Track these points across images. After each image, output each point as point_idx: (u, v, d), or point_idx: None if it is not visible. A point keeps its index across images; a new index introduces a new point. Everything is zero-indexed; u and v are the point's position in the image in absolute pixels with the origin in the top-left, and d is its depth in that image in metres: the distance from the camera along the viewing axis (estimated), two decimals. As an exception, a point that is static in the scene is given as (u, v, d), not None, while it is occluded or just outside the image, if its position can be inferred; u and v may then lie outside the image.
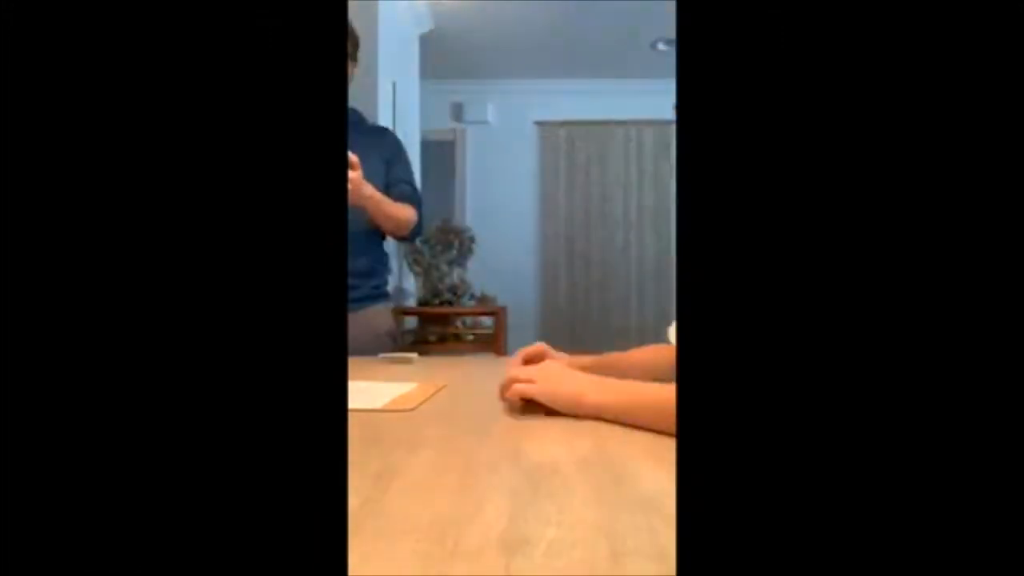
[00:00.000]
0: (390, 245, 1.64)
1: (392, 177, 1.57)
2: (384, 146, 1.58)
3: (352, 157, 1.28)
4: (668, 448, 0.51)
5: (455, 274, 3.48)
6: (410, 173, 1.62)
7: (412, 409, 0.70)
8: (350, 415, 0.65)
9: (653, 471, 0.45)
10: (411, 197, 1.57)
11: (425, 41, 3.51)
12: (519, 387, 0.67)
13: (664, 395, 0.57)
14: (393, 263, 3.03)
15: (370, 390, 0.83)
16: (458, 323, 3.48)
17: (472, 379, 0.96)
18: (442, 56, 3.80)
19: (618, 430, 0.60)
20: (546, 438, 0.57)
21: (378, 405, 0.72)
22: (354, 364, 1.10)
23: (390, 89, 2.76)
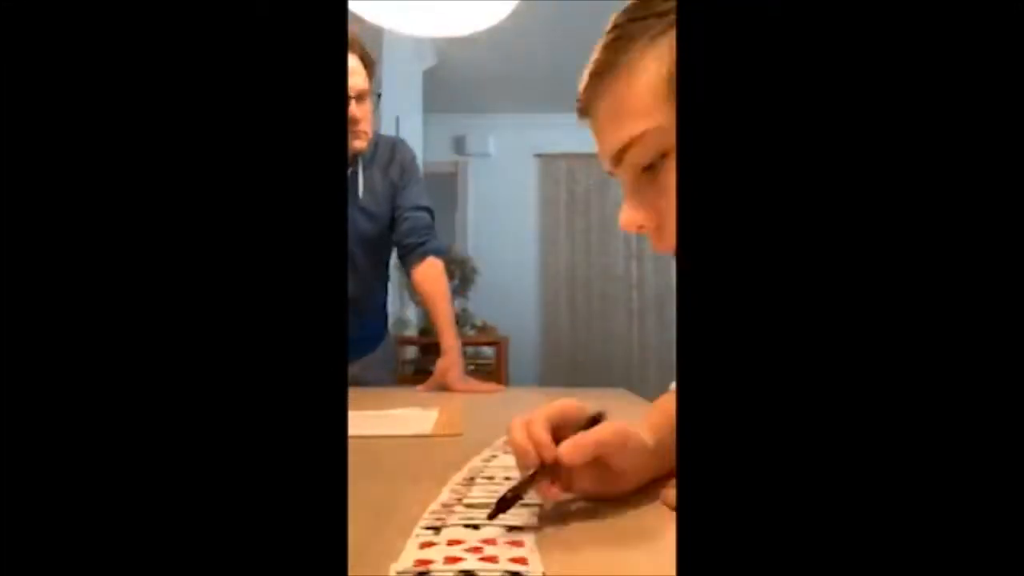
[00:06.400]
0: (392, 275, 1.59)
1: (403, 202, 1.33)
2: (392, 166, 1.34)
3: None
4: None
5: (456, 304, 3.49)
6: (422, 194, 1.37)
7: (460, 434, 0.70)
8: (390, 441, 0.65)
9: (657, 516, 0.45)
10: (429, 228, 1.35)
11: (428, 76, 3.57)
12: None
13: None
14: (394, 293, 3.04)
15: (389, 418, 0.82)
16: (459, 353, 3.46)
17: (476, 407, 0.96)
18: (445, 90, 3.87)
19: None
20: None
21: (406, 432, 0.72)
22: (368, 394, 1.10)
23: (394, 123, 2.80)
